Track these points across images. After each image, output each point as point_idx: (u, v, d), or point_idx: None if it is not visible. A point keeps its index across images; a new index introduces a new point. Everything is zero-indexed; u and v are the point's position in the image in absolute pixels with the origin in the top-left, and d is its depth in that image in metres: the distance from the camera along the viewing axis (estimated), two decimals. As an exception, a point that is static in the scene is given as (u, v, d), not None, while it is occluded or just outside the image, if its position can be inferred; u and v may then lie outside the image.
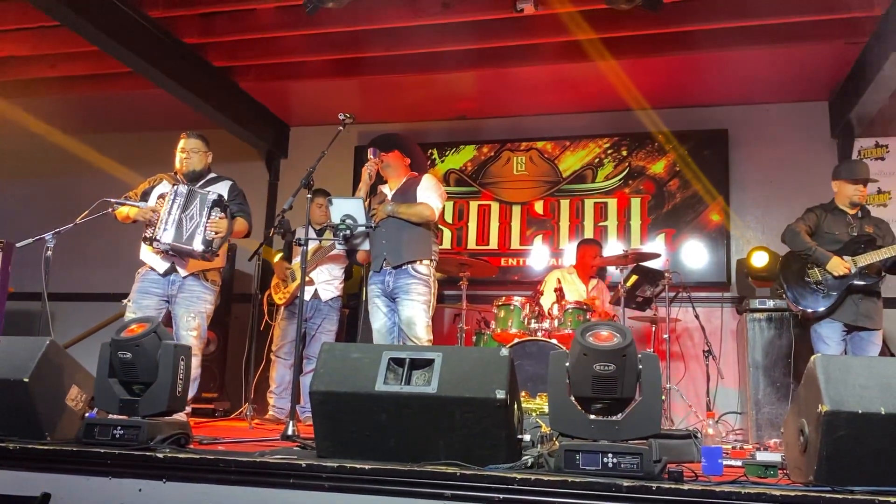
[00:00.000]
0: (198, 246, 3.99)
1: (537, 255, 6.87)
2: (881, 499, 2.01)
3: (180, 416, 3.86)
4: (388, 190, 4.62)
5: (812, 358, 2.32)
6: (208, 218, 4.05)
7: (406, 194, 4.49)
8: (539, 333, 5.04)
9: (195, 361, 4.06)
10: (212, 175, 4.39)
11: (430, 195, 4.45)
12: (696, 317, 5.66)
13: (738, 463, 2.78)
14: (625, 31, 5.56)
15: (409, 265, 4.31)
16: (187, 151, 4.28)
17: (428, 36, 5.76)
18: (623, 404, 2.41)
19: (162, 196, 4.10)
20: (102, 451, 2.52)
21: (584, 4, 5.18)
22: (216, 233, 4.07)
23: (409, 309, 4.28)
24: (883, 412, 2.15)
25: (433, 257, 4.45)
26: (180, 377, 2.76)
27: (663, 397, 5.32)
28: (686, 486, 2.10)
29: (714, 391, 5.62)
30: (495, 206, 7.06)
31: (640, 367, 2.43)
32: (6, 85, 6.70)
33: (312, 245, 5.44)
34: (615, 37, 5.62)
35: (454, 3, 5.29)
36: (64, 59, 6.32)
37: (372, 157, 4.42)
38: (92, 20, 5.16)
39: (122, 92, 6.77)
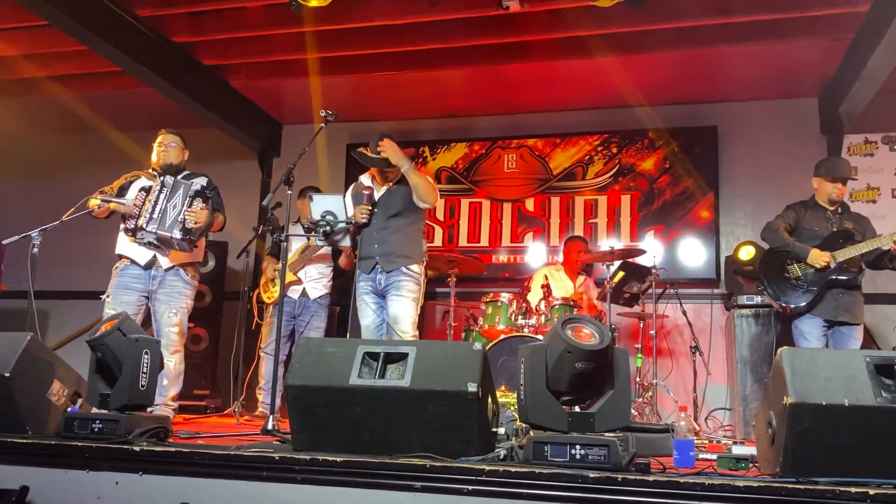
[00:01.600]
0: (176, 233, 4.03)
1: (533, 252, 6.90)
2: (843, 489, 2.03)
3: (165, 412, 3.91)
4: (372, 183, 4.48)
5: (779, 351, 2.35)
6: (189, 206, 4.09)
7: (395, 192, 4.41)
8: (526, 329, 5.06)
9: (179, 357, 4.10)
10: (187, 172, 4.42)
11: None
12: (684, 313, 5.69)
13: (714, 456, 2.81)
14: (613, 28, 5.57)
15: (404, 266, 4.31)
16: (164, 145, 4.33)
17: (417, 34, 5.79)
18: (592, 396, 2.44)
19: (144, 189, 4.13)
20: (80, 444, 2.55)
21: (570, 2, 5.20)
22: (195, 222, 4.10)
23: (397, 304, 4.27)
24: (846, 404, 2.18)
25: (424, 258, 4.44)
26: (143, 371, 2.78)
27: (650, 393, 5.35)
28: (651, 478, 2.13)
29: (704, 387, 5.65)
30: (486, 204, 7.08)
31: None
32: (-1, 84, 6.74)
33: (301, 243, 5.47)
34: (603, 34, 5.64)
35: (441, 0, 5.31)
36: (55, 59, 6.35)
37: (367, 203, 4.30)
38: (80, 19, 5.18)
39: (113, 91, 6.79)
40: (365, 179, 4.54)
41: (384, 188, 4.44)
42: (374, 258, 4.32)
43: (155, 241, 4.06)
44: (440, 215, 7.09)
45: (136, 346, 2.80)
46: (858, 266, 4.39)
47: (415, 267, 4.33)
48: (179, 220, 4.04)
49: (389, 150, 4.23)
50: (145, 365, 2.78)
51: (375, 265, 4.32)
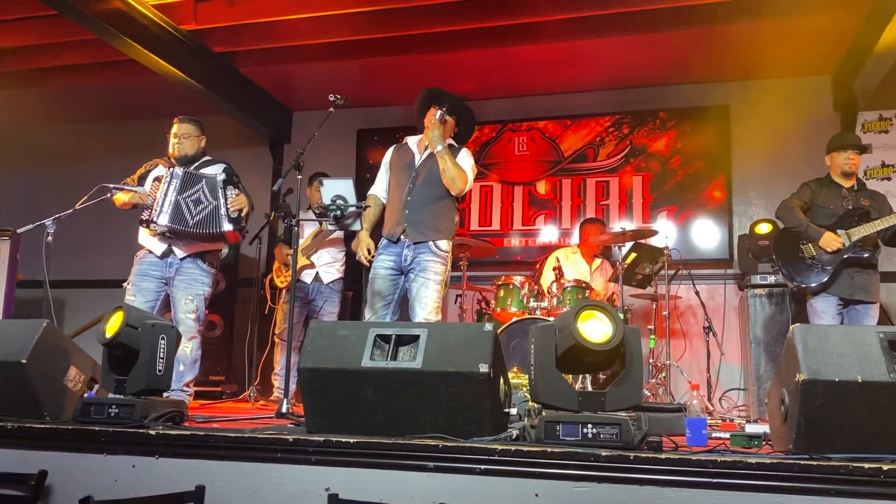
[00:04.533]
0: (227, 226, 4.13)
1: (545, 235, 6.89)
2: (856, 465, 2.03)
3: (182, 397, 3.94)
4: (415, 148, 4.26)
5: (791, 328, 2.34)
6: (226, 198, 4.15)
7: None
8: (538, 312, 5.07)
9: (195, 343, 4.12)
10: (206, 158, 4.42)
11: (468, 170, 4.15)
12: (697, 294, 5.67)
13: (728, 435, 2.81)
14: (622, 8, 5.52)
15: (432, 241, 4.06)
16: (179, 136, 4.32)
17: (425, 17, 5.76)
18: (603, 376, 2.44)
19: (157, 179, 4.15)
20: (97, 429, 2.58)
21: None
22: (239, 210, 4.18)
23: (421, 289, 4.00)
24: (860, 380, 2.17)
25: (454, 234, 4.23)
26: (160, 356, 2.80)
27: (664, 374, 5.34)
28: (663, 456, 2.13)
29: (717, 368, 5.64)
30: (497, 187, 7.06)
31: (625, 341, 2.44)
32: (10, 75, 6.76)
33: (314, 228, 5.49)
34: (612, 13, 5.58)
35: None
36: (67, 49, 6.36)
37: (438, 117, 4.09)
38: (90, 9, 5.18)
39: (124, 80, 6.80)
40: (411, 142, 4.32)
41: (427, 153, 4.17)
42: (402, 225, 4.05)
43: (167, 234, 4.09)
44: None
45: (153, 331, 2.81)
46: (874, 244, 4.35)
47: (443, 244, 4.07)
48: (222, 214, 4.13)
49: (430, 126, 4.07)
50: (162, 350, 2.80)
51: (402, 233, 4.05)
